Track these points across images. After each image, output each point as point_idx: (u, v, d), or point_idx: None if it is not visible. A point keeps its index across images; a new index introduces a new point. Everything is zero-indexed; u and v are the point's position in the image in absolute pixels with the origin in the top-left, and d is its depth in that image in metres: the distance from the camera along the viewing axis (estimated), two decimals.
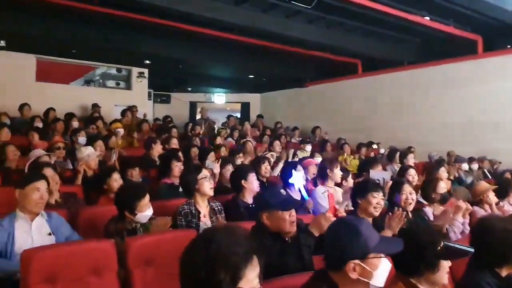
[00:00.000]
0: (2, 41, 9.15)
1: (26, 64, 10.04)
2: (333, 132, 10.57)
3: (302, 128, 11.29)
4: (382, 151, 8.71)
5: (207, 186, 3.51)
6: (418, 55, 10.25)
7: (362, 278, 1.70)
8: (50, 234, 2.89)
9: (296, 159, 6.27)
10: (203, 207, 3.50)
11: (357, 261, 1.70)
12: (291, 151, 7.15)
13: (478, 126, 8.80)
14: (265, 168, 5.10)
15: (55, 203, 3.63)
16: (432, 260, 1.96)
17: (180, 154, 5.47)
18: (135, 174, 4.65)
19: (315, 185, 4.69)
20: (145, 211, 3.08)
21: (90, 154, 4.85)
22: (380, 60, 10.38)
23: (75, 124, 7.70)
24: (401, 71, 10.39)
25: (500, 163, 7.78)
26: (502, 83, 8.55)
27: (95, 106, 9.94)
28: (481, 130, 8.74)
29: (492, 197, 4.48)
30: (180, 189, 4.29)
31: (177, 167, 4.57)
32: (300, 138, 9.93)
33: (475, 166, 7.50)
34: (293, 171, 4.08)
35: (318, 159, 6.06)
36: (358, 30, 9.29)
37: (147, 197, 3.11)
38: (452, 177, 6.50)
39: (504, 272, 2.24)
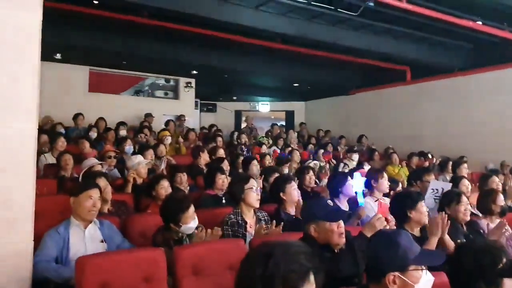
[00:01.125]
0: (58, 54, 9.64)
1: (80, 76, 10.51)
2: (379, 141, 10.35)
3: (347, 137, 11.14)
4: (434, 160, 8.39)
5: (254, 197, 3.50)
6: (469, 61, 9.86)
7: None
8: (102, 241, 2.98)
9: (346, 169, 6.13)
10: (249, 217, 3.50)
11: (396, 273, 1.69)
12: (341, 164, 6.95)
13: None
14: (309, 177, 5.03)
15: (107, 211, 3.75)
16: (493, 278, 1.87)
17: (226, 163, 5.52)
18: (184, 180, 4.74)
19: (363, 196, 4.59)
20: (190, 223, 3.08)
21: (140, 162, 4.99)
22: (430, 67, 10.06)
23: (123, 132, 7.93)
24: (452, 78, 10.03)
25: None
26: None
27: (148, 115, 10.21)
28: None
29: None
30: (224, 201, 4.35)
31: (221, 180, 4.56)
32: (346, 147, 9.77)
33: None
34: (354, 173, 4.06)
35: (367, 168, 5.93)
36: (406, 37, 9.06)
37: (192, 209, 3.12)
38: (507, 188, 6.17)
39: None
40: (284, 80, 12.71)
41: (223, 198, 4.41)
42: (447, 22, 7.56)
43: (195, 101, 12.61)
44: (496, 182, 5.05)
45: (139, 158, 5.14)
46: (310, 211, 2.64)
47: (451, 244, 3.03)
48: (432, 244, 2.93)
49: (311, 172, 5.14)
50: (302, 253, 1.33)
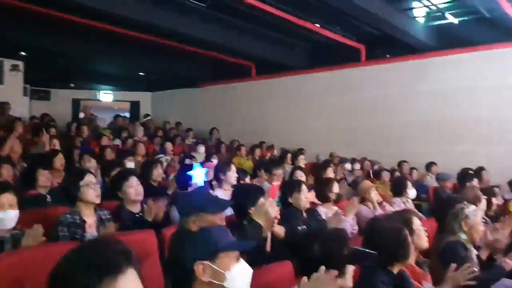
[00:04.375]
0: None
1: None
2: (227, 134, 10.55)
3: (198, 130, 11.09)
4: (275, 153, 8.88)
5: (91, 194, 3.10)
6: (308, 61, 10.67)
7: (214, 281, 1.62)
8: None
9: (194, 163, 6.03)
10: (89, 216, 3.11)
11: (206, 262, 1.63)
12: (187, 160, 6.80)
13: (361, 130, 9.42)
14: (157, 172, 4.78)
15: None
16: (339, 265, 1.93)
17: (61, 156, 4.93)
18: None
19: (212, 188, 4.54)
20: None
21: None
22: (273, 64, 10.59)
23: None
24: (292, 76, 10.71)
25: (380, 163, 8.38)
26: (379, 91, 9.25)
27: None
28: (363, 134, 9.37)
29: (374, 195, 4.72)
30: (49, 199, 3.86)
31: (43, 177, 4.02)
32: (194, 140, 9.72)
33: (357, 166, 7.98)
34: (194, 165, 3.93)
35: (215, 161, 5.94)
36: (252, 33, 9.37)
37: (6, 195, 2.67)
38: (338, 177, 6.82)
39: (396, 270, 2.30)
40: (129, 68, 12.07)
41: (48, 196, 3.93)
42: (289, 21, 8.00)
43: (24, 87, 11.10)
44: (329, 171, 5.52)
45: None
46: (190, 202, 2.41)
47: (281, 231, 3.14)
48: (268, 237, 2.92)
49: (159, 166, 4.90)
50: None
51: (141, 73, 12.40)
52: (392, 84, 9.14)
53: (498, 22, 7.78)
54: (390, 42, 8.86)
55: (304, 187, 3.82)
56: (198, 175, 3.95)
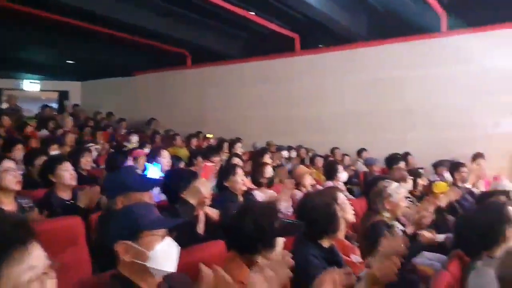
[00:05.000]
0: None
1: None
2: (166, 124, 10.37)
3: (134, 120, 10.76)
4: (212, 142, 8.83)
5: (10, 180, 2.92)
6: (244, 50, 10.66)
7: (137, 261, 1.57)
8: None
9: None
10: (8, 204, 2.93)
11: (128, 242, 1.57)
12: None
13: (297, 119, 9.59)
14: (86, 160, 4.61)
15: None
16: (270, 239, 1.94)
17: None
18: None
19: None
20: None
21: None
22: (209, 52, 10.48)
23: None
24: (228, 65, 10.68)
25: (314, 151, 8.60)
26: (313, 81, 9.46)
27: None
28: (298, 123, 9.56)
29: (308, 180, 4.85)
30: None
31: None
32: (126, 130, 9.43)
33: (293, 153, 8.14)
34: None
35: (147, 150, 5.79)
36: (187, 20, 9.19)
37: None
38: (275, 164, 6.91)
39: (326, 244, 2.36)
40: (57, 56, 11.42)
41: None
42: (225, 9, 7.94)
43: None
44: (267, 157, 5.59)
45: None
46: (117, 181, 2.32)
47: (215, 214, 3.13)
48: (202, 219, 2.90)
49: (87, 154, 4.72)
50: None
51: (70, 61, 11.78)
52: (325, 73, 9.39)
53: (422, 13, 8.19)
54: (323, 32, 9.05)
55: (239, 170, 3.85)
56: (152, 173, 3.82)
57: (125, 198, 2.21)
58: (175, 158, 4.79)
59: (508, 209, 2.49)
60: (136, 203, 1.88)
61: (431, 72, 8.35)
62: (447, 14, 8.25)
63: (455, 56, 8.14)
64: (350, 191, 6.00)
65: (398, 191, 3.35)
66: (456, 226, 2.77)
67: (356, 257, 2.94)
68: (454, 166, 5.76)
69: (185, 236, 2.37)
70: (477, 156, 7.17)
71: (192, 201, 2.47)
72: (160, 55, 11.26)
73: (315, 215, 2.29)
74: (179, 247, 1.75)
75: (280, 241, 2.00)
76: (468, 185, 5.35)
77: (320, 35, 9.48)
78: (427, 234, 3.02)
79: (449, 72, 8.17)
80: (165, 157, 4.32)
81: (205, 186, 2.54)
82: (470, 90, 8.02)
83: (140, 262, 1.59)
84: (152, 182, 2.42)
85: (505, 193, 4.05)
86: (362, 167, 7.66)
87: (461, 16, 7.86)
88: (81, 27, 8.82)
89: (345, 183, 6.37)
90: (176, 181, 2.83)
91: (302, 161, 7.71)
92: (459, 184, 5.40)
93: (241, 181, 3.72)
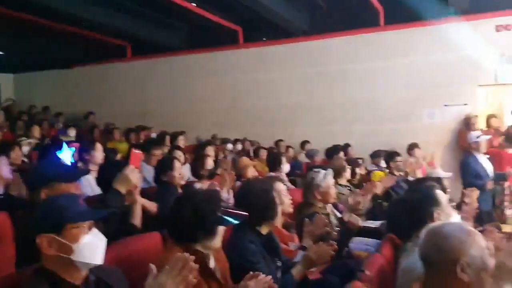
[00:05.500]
0: None
1: None
2: (106, 118, 10.03)
3: (74, 114, 10.31)
4: (153, 135, 8.62)
5: None
6: (187, 42, 10.49)
7: (61, 254, 1.52)
8: None
9: None
10: None
11: (50, 235, 1.51)
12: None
13: (242, 112, 9.59)
14: (16, 155, 4.40)
15: None
16: (211, 227, 1.91)
17: None
18: None
19: None
20: None
21: None
22: (150, 44, 10.21)
23: None
24: (170, 57, 10.46)
25: (259, 143, 8.64)
26: (258, 74, 9.48)
27: None
28: (244, 116, 9.56)
29: (251, 172, 4.87)
30: None
31: None
32: (64, 124, 9.03)
33: (238, 146, 8.15)
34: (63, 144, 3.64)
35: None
36: (127, 11, 8.88)
37: None
38: (217, 158, 6.90)
39: (264, 230, 2.37)
40: None
41: None
42: None
43: None
44: (209, 150, 5.53)
45: None
46: (41, 173, 2.19)
47: (152, 207, 3.08)
48: (137, 211, 2.83)
49: (17, 149, 4.50)
50: None
51: (0, 53, 11.07)
52: (269, 66, 9.43)
53: (362, 8, 8.43)
54: (266, 25, 9.08)
55: (177, 164, 3.77)
56: (65, 155, 3.65)
57: (50, 190, 2.09)
58: (111, 151, 4.62)
59: (436, 192, 2.60)
60: (61, 194, 1.79)
61: (371, 66, 8.62)
62: (383, 9, 8.53)
63: (394, 50, 8.46)
64: (293, 182, 6.09)
65: (326, 179, 3.42)
66: (388, 210, 2.87)
67: (294, 245, 2.99)
68: (390, 156, 6.00)
69: (115, 226, 2.31)
70: (412, 146, 7.51)
71: (122, 190, 2.38)
72: (99, 46, 10.83)
73: (253, 202, 2.29)
74: (109, 239, 1.69)
75: (221, 229, 1.97)
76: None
77: (263, 28, 9.51)
78: (352, 219, 3.12)
79: (388, 66, 8.49)
80: (98, 150, 4.16)
81: (134, 173, 2.45)
82: (406, 83, 8.37)
83: (65, 255, 1.53)
84: (79, 173, 2.31)
85: (437, 179, 4.28)
86: (304, 159, 7.80)
87: (400, 11, 8.14)
88: (12, 16, 8.29)
89: (288, 175, 6.49)
90: (108, 171, 2.74)
91: (247, 154, 7.72)
92: (395, 172, 5.64)
93: (179, 175, 3.65)
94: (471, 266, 1.57)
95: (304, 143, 8.52)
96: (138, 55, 10.87)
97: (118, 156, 4.72)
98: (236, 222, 2.02)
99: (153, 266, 1.49)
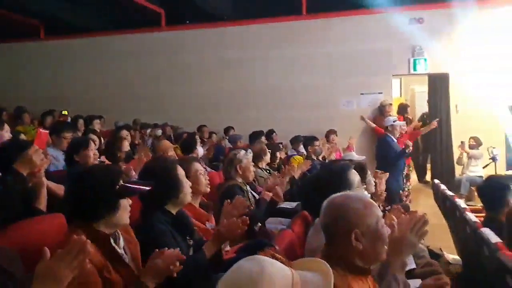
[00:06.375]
0: None
1: None
2: (17, 102, 9.15)
3: None
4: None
5: None
6: (110, 23, 9.99)
7: None
8: None
9: None
10: None
11: None
12: None
13: (164, 97, 9.38)
14: None
15: None
16: (111, 201, 1.82)
17: None
18: None
19: None
20: None
21: None
22: (65, 25, 9.58)
23: None
24: (89, 38, 9.91)
25: (181, 128, 8.52)
26: (181, 58, 9.27)
27: None
28: (165, 100, 9.36)
29: (171, 155, 4.77)
30: None
31: None
32: None
33: (159, 131, 7.98)
34: None
35: None
36: None
37: None
38: (137, 142, 6.75)
39: (173, 209, 2.32)
40: None
41: None
42: None
43: None
44: (125, 133, 5.37)
45: None
46: None
47: (59, 188, 2.95)
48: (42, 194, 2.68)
49: None
50: None
51: None
52: (192, 50, 9.29)
53: None
54: (190, 8, 8.91)
55: (92, 144, 3.63)
56: None
57: None
58: (17, 133, 4.31)
59: (347, 172, 2.70)
60: None
61: (293, 53, 8.80)
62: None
63: (315, 39, 8.69)
64: (216, 167, 6.09)
65: (247, 157, 3.52)
66: (301, 188, 2.96)
67: (211, 224, 2.98)
68: (308, 141, 6.21)
69: (12, 208, 2.15)
70: (330, 132, 7.87)
71: (24, 171, 2.23)
72: (9, 25, 9.97)
73: (155, 179, 2.22)
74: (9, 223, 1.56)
75: (125, 203, 1.89)
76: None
77: (187, 12, 9.32)
78: (266, 196, 3.22)
79: (309, 54, 8.71)
80: (6, 130, 3.88)
81: (38, 154, 2.30)
82: (326, 72, 8.67)
83: None
84: None
85: (350, 161, 4.48)
86: (228, 144, 7.83)
87: (322, 0, 8.36)
88: None
89: (212, 160, 6.49)
90: (9, 151, 2.54)
91: (168, 139, 7.57)
92: (313, 156, 5.85)
93: (93, 155, 3.51)
94: (366, 235, 1.63)
95: (227, 129, 8.53)
96: (52, 35, 10.17)
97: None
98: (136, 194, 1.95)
99: (46, 250, 1.39)
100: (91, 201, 1.80)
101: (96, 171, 1.93)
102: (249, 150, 3.67)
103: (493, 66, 7.81)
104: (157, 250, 1.81)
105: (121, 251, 1.88)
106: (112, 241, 1.84)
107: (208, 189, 3.17)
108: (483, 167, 7.30)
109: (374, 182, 4.30)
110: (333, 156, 6.32)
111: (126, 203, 1.90)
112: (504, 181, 3.42)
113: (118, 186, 1.87)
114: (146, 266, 1.80)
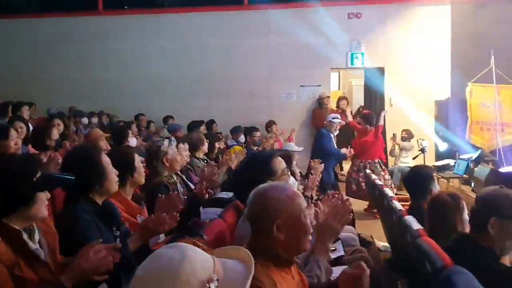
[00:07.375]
0: None
1: None
2: None
3: None
4: None
5: None
6: (41, 4, 9.41)
7: None
8: None
9: None
10: None
11: None
12: None
13: (99, 83, 9.01)
14: None
15: None
16: (27, 193, 1.70)
17: None
18: None
19: None
20: None
21: None
22: None
23: None
24: (17, 19, 9.24)
25: (118, 116, 8.24)
26: (117, 43, 8.97)
27: None
28: (101, 87, 9.00)
29: (103, 144, 4.62)
30: None
31: None
32: None
33: (95, 120, 7.69)
34: None
35: None
36: None
37: None
38: (71, 131, 6.47)
39: (98, 199, 2.23)
40: None
41: None
42: None
43: None
44: (57, 121, 5.12)
45: None
46: None
47: None
48: None
49: None
50: None
51: None
52: (130, 36, 9.00)
53: None
54: None
55: (13, 132, 3.44)
56: None
57: None
58: None
59: (272, 161, 2.72)
60: None
61: (233, 43, 8.77)
62: None
63: (254, 30, 8.71)
64: None
65: (172, 146, 3.43)
66: (233, 178, 2.96)
67: (143, 218, 2.89)
68: (248, 131, 6.23)
69: None
70: (270, 123, 7.95)
71: None
72: None
73: (77, 168, 2.12)
74: None
75: (43, 196, 1.77)
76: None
77: None
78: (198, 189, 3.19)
79: (248, 44, 8.72)
80: None
81: None
82: (266, 63, 8.73)
83: None
84: None
85: (285, 151, 4.55)
86: (167, 134, 7.65)
87: None
88: None
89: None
90: None
91: (102, 127, 7.31)
92: (252, 146, 5.87)
93: (14, 145, 3.30)
94: (288, 226, 1.63)
95: (167, 118, 8.34)
96: None
97: None
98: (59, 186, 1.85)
99: None
100: (5, 193, 1.68)
101: (11, 161, 1.80)
102: (173, 138, 3.56)
103: (424, 61, 8.22)
104: (84, 246, 1.70)
105: (35, 245, 1.75)
106: (26, 236, 1.72)
107: (143, 181, 3.08)
108: (413, 158, 7.66)
109: (310, 172, 4.42)
110: (276, 146, 6.38)
111: (43, 196, 1.78)
112: (428, 170, 3.60)
113: (35, 178, 1.75)
114: (70, 265, 1.70)
